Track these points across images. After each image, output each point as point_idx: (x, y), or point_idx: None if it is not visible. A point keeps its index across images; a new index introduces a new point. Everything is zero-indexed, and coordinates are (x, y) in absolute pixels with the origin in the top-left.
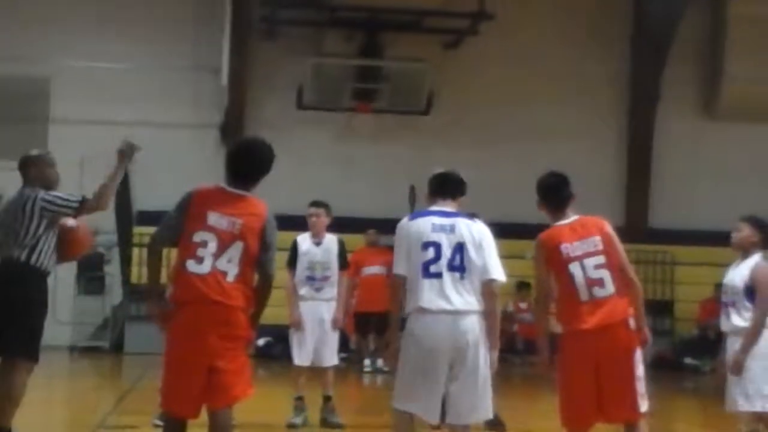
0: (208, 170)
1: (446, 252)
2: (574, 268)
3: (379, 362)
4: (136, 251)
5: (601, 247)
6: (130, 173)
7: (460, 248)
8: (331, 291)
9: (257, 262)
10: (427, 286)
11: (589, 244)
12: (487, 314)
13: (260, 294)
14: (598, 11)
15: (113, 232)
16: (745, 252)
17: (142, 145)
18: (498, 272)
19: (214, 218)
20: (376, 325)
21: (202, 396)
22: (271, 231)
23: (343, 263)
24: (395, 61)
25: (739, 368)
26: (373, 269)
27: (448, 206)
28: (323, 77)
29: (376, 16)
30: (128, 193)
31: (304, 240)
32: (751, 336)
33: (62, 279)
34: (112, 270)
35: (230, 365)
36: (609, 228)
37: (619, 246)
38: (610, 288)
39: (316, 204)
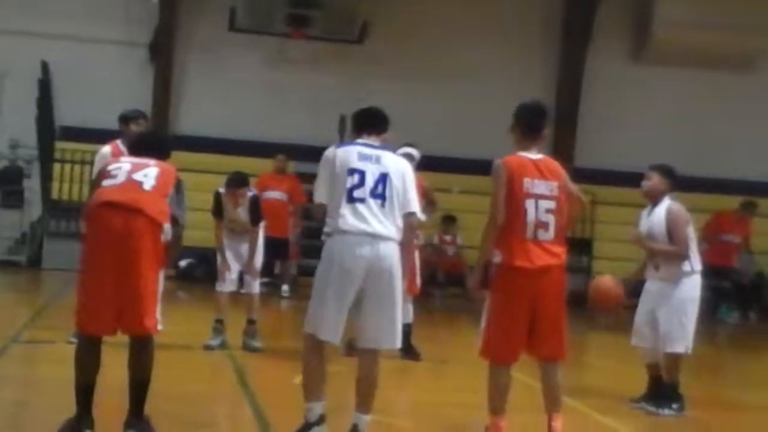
0: (134, 89)
1: (370, 180)
2: (530, 205)
3: (284, 288)
4: (57, 167)
5: (556, 193)
6: (52, 88)
7: (383, 178)
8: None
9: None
10: (350, 210)
11: (547, 187)
12: (404, 245)
13: (172, 241)
14: None
15: (34, 147)
16: (654, 200)
17: (67, 60)
18: (417, 208)
19: (126, 158)
20: (276, 250)
21: (117, 317)
22: (183, 187)
23: (255, 219)
24: None
25: (641, 243)
26: (275, 194)
27: (374, 141)
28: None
29: None
30: (51, 108)
31: (225, 198)
32: (663, 251)
33: None
34: (32, 185)
35: (140, 288)
36: (565, 174)
37: (569, 181)
38: (551, 233)
39: (239, 184)
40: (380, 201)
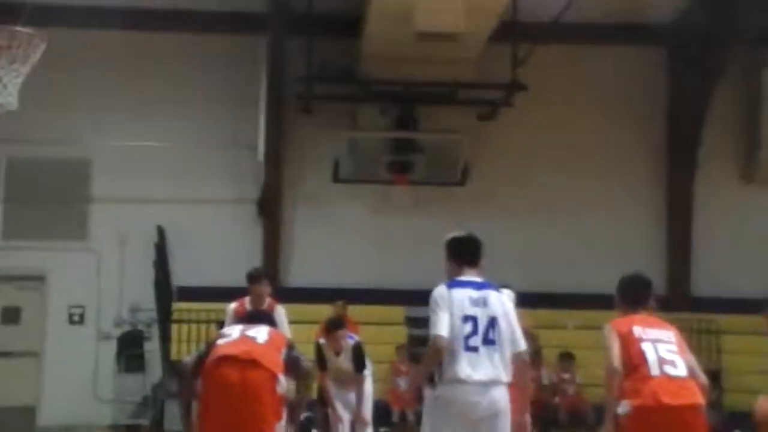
0: (246, 245)
1: (481, 327)
2: (647, 347)
3: None
4: (175, 327)
5: (674, 339)
6: (168, 250)
7: (492, 322)
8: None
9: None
10: (467, 359)
11: (661, 334)
12: (521, 382)
13: (299, 388)
14: (631, 79)
15: (153, 309)
16: None
17: (180, 222)
18: (524, 342)
19: (236, 324)
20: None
21: None
22: (295, 352)
23: (359, 367)
24: (430, 133)
25: None
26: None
27: (476, 275)
28: (359, 150)
29: (411, 89)
30: (167, 270)
31: (326, 348)
32: None
33: (103, 358)
34: (152, 347)
35: None
36: (679, 334)
37: (691, 354)
38: (682, 370)
39: (335, 327)
40: (492, 347)
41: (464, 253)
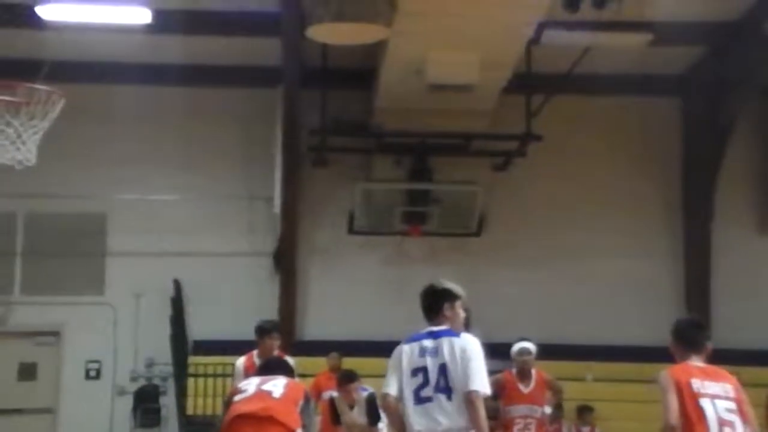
0: (262, 298)
1: (432, 376)
2: (705, 404)
3: None
4: (191, 382)
5: (732, 395)
6: (184, 304)
7: (443, 370)
8: None
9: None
10: (419, 411)
11: (720, 388)
12: (472, 423)
13: None
14: (646, 130)
15: (169, 363)
16: None
17: (196, 276)
18: (479, 383)
19: (253, 377)
20: None
21: None
22: (311, 399)
23: (373, 419)
24: (445, 184)
25: None
26: (330, 393)
27: (439, 323)
28: (373, 202)
29: (425, 140)
30: (183, 324)
31: (340, 401)
32: None
33: (119, 412)
34: (168, 402)
35: None
36: (739, 385)
37: (750, 408)
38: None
39: (348, 379)
40: (446, 394)
41: (423, 311)
